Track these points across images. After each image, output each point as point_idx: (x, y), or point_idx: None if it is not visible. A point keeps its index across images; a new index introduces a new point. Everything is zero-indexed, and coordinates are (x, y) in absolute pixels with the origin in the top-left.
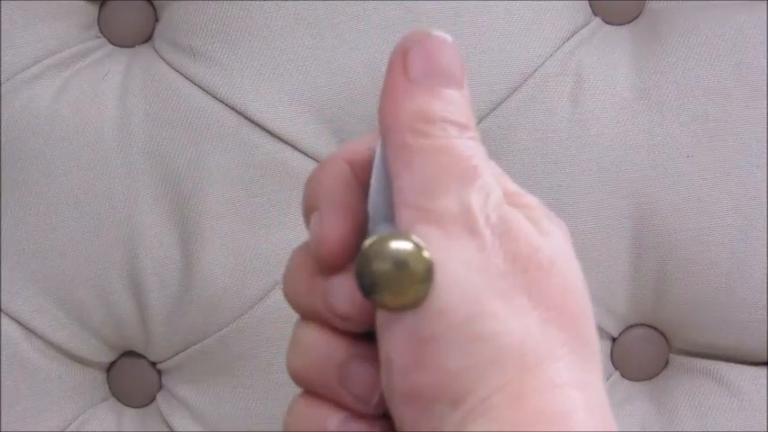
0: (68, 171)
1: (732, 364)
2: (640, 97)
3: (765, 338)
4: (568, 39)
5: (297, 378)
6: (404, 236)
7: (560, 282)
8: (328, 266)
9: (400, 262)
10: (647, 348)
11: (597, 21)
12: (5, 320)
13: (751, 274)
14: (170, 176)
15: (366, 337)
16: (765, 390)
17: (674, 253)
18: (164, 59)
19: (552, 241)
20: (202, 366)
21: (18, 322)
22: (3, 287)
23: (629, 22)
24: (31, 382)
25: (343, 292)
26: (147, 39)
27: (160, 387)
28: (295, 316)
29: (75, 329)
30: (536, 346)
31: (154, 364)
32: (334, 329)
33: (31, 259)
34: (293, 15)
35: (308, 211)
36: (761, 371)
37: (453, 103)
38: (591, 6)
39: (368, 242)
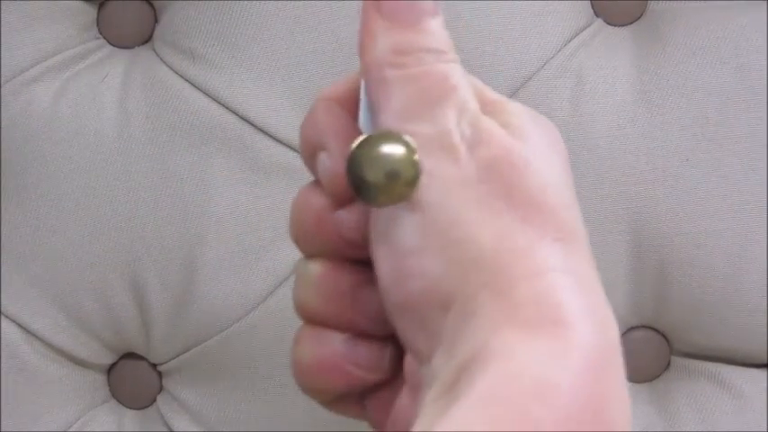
0: (68, 173)
1: (733, 367)
2: (640, 99)
3: (766, 340)
4: (570, 41)
5: (305, 311)
6: (394, 136)
7: (537, 179)
8: (341, 199)
9: (389, 166)
10: (647, 350)
11: (599, 22)
12: (5, 323)
13: (751, 277)
14: (171, 179)
15: (371, 265)
16: (766, 392)
17: (674, 256)
18: (164, 61)
19: (528, 142)
20: (203, 368)
21: (18, 325)
22: (3, 290)
23: (630, 23)
24: (32, 385)
25: (354, 221)
26: (147, 40)
27: (161, 389)
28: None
29: (75, 332)
30: (514, 245)
31: (154, 365)
32: (342, 260)
33: (31, 262)
34: (293, 18)
35: (312, 151)
36: (762, 373)
37: (427, 33)
38: (593, 7)
39: (357, 142)
